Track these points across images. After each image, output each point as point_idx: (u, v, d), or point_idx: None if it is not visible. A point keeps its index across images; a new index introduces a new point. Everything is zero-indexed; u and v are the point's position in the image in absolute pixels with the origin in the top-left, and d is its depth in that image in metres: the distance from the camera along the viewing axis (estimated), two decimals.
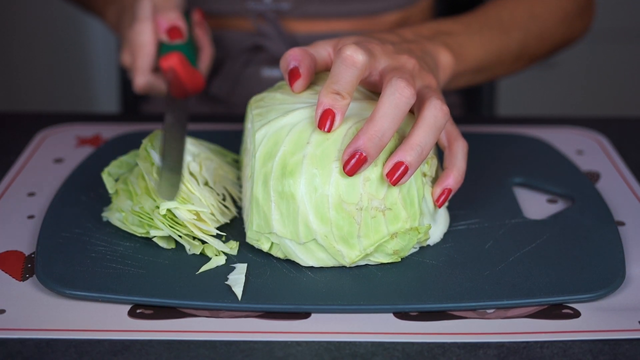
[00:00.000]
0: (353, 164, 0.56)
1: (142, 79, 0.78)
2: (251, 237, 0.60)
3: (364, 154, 0.56)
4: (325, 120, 0.57)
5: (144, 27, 0.79)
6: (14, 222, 0.67)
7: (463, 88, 0.81)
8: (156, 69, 0.80)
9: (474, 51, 0.76)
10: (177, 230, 0.61)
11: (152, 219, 0.61)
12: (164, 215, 0.60)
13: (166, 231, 0.61)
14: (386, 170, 0.57)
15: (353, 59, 0.57)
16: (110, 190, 0.66)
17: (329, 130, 0.57)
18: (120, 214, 0.63)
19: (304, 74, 0.61)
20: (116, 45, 1.27)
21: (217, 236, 0.62)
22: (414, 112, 0.61)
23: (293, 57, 0.62)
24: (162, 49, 0.78)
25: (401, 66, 0.62)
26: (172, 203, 0.60)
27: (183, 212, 0.61)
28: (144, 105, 1.10)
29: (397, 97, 0.56)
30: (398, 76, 0.57)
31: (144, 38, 0.78)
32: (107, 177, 0.67)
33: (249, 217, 0.60)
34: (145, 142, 0.66)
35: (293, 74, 0.61)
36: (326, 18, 0.94)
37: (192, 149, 0.68)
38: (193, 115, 0.93)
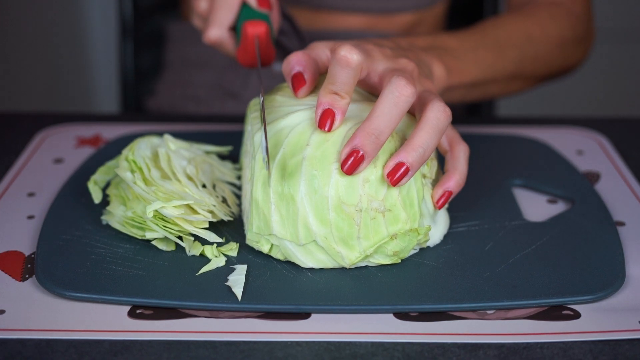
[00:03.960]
0: (351, 163, 0.56)
1: (216, 32, 0.75)
2: (251, 239, 0.60)
3: (361, 152, 0.56)
4: (325, 120, 0.57)
5: None
6: (14, 222, 0.67)
7: (457, 103, 0.81)
8: (230, 28, 0.77)
9: (467, 67, 0.76)
10: (170, 229, 0.61)
11: (145, 222, 0.61)
12: (154, 217, 0.60)
13: (161, 232, 0.61)
14: (387, 170, 0.57)
15: (347, 59, 0.57)
16: (96, 200, 0.66)
17: (329, 130, 0.57)
18: (120, 217, 0.63)
19: (309, 80, 0.61)
20: (116, 46, 1.27)
21: (217, 236, 0.62)
22: (415, 115, 0.61)
23: (297, 61, 0.61)
24: (243, 11, 0.75)
25: (401, 68, 0.62)
26: (158, 203, 0.60)
27: (169, 209, 0.61)
28: (150, 100, 1.09)
29: (396, 95, 0.56)
30: (398, 75, 0.57)
31: None
32: (93, 187, 0.67)
33: (249, 219, 0.60)
34: (126, 151, 0.66)
35: (298, 80, 0.61)
36: (342, 11, 0.94)
37: (186, 153, 0.68)
38: (192, 115, 0.93)
